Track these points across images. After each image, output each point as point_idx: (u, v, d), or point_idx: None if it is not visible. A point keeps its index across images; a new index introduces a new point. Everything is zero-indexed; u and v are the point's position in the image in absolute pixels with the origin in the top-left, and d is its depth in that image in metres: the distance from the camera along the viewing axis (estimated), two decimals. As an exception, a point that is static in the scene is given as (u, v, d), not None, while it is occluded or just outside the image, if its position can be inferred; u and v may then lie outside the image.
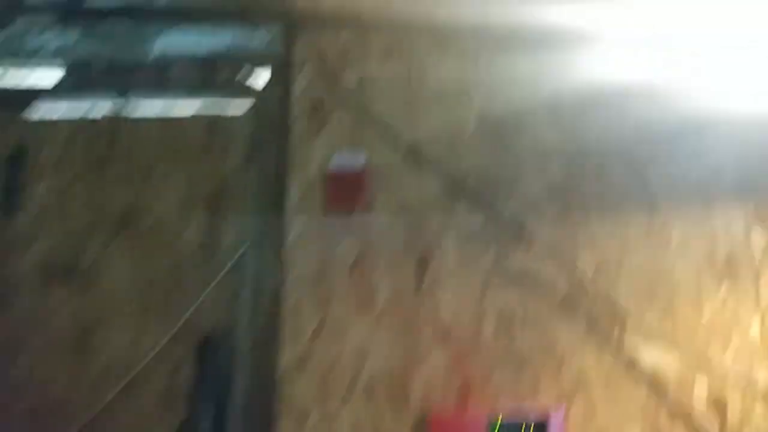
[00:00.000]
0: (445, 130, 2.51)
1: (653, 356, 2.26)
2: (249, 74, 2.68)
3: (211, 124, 2.64)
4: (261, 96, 2.65)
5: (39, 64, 2.70)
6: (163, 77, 2.70)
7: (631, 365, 2.26)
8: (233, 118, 2.65)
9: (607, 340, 2.28)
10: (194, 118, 2.66)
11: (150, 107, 2.70)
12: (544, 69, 2.51)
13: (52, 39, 2.72)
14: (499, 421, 2.18)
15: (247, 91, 2.67)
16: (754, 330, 2.29)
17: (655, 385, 2.25)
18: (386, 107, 2.55)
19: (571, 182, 2.43)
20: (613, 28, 2.50)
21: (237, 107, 2.67)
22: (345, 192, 2.42)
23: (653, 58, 2.51)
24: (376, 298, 2.33)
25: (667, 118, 2.46)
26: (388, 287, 2.34)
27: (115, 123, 2.67)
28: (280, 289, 2.35)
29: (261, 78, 2.68)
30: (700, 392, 2.25)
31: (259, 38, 2.70)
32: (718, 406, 2.24)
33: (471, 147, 2.50)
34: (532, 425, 2.20)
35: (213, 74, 2.69)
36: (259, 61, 2.68)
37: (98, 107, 2.69)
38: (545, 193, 2.42)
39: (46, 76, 2.71)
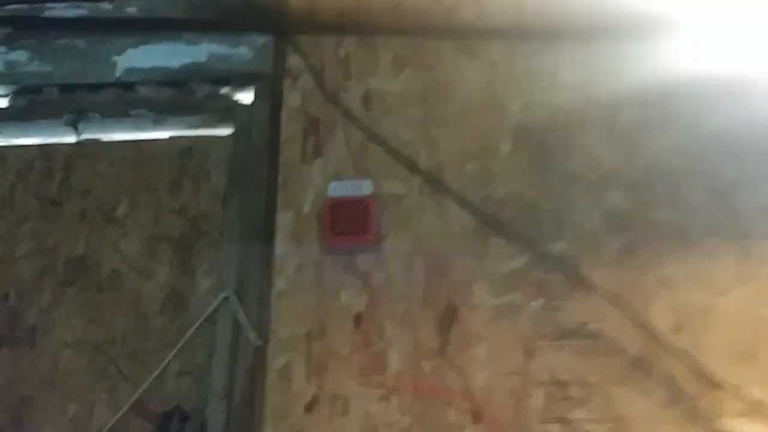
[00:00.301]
0: (473, 151, 2.03)
1: (756, 435, 1.68)
2: (231, 92, 2.25)
3: (186, 152, 2.21)
4: (245, 117, 2.19)
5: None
6: (129, 99, 2.28)
7: (727, 448, 1.68)
8: (212, 145, 2.21)
9: (694, 414, 1.72)
10: (166, 146, 2.23)
11: (113, 134, 2.28)
12: (597, 71, 2.03)
13: (-1, 57, 2.32)
14: None
15: (229, 113, 2.22)
16: None
17: (759, 474, 1.67)
18: (399, 126, 2.08)
19: (637, 211, 1.91)
20: (686, 13, 2.01)
21: (217, 131, 2.23)
22: (348, 227, 1.92)
23: (740, 51, 2.00)
24: (388, 362, 1.82)
25: (758, 128, 1.93)
26: (404, 348, 1.83)
27: (71, 154, 2.25)
28: (265, 349, 1.86)
29: (246, 96, 2.23)
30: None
31: (243, 50, 2.27)
32: None
33: (507, 170, 2.00)
34: None
35: (188, 94, 2.26)
36: (243, 77, 2.25)
37: (52, 136, 2.28)
38: (604, 225, 1.91)
39: (-9, 101, 2.30)
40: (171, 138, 2.24)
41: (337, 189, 1.96)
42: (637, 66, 2.00)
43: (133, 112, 2.26)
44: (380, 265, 1.91)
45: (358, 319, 1.86)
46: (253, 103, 2.21)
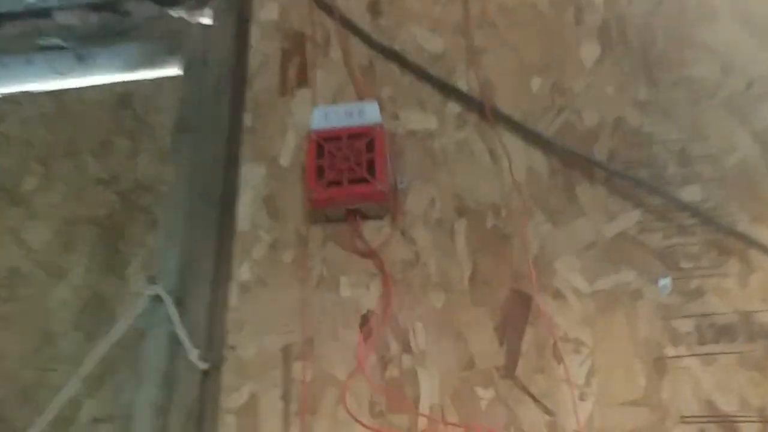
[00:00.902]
0: (540, 61, 1.35)
1: None
2: (182, 12, 1.58)
3: (121, 100, 1.58)
4: (201, 43, 1.54)
5: None
6: (42, 31, 1.65)
7: None
8: (157, 89, 1.57)
9: None
10: (93, 95, 1.60)
11: (22, 82, 1.65)
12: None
13: None
14: None
15: (179, 39, 1.57)
16: None
17: None
18: (424, 34, 1.42)
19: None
20: None
21: (163, 70, 1.58)
22: (345, 174, 1.20)
23: None
24: (417, 391, 1.10)
25: None
26: (444, 367, 1.11)
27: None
28: (218, 376, 1.16)
29: (203, 16, 1.57)
30: None
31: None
32: None
33: (596, 86, 1.31)
34: None
35: (124, 19, 1.63)
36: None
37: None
38: (761, 155, 1.20)
39: None
40: (101, 84, 1.62)
41: (325, 117, 1.25)
42: None
43: (47, 47, 1.61)
44: (400, 236, 1.21)
45: (366, 323, 1.14)
46: (212, 22, 1.54)
